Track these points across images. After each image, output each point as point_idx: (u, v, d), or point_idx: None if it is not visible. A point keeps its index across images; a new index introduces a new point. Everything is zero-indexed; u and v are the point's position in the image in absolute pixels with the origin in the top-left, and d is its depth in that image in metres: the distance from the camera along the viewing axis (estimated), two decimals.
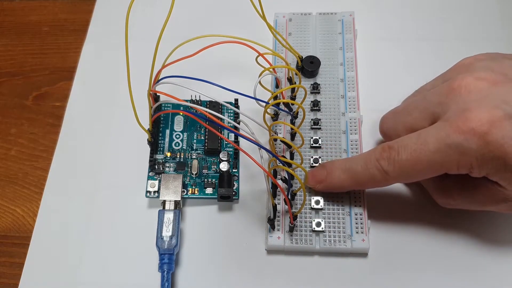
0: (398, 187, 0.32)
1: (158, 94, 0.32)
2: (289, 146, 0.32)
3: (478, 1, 0.40)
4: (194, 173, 0.32)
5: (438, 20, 0.39)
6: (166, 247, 0.29)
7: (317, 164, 0.32)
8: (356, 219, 0.30)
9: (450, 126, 0.25)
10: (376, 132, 0.34)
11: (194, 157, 0.33)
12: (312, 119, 0.33)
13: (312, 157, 0.32)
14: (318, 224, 0.30)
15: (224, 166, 0.32)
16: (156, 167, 0.32)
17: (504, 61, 0.28)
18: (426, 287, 0.29)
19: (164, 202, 0.31)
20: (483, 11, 0.39)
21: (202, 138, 0.34)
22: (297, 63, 0.35)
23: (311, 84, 0.35)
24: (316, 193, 0.31)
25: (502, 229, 0.31)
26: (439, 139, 0.25)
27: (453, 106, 0.26)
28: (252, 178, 0.33)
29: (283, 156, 0.32)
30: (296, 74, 0.34)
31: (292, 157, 0.32)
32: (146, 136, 0.31)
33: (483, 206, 0.28)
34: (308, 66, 0.35)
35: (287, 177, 0.30)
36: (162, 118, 0.35)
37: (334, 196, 0.31)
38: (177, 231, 0.30)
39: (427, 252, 0.30)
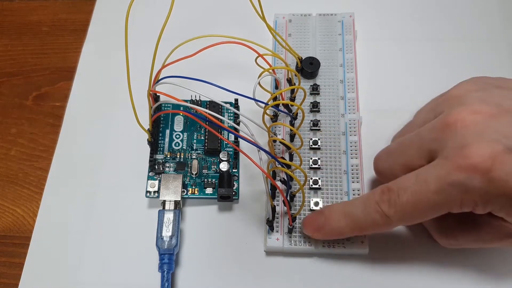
0: None
1: (158, 94, 0.32)
2: (288, 148, 0.32)
3: (478, 1, 0.40)
4: (194, 173, 0.32)
5: (438, 20, 0.39)
6: (166, 247, 0.30)
7: (316, 166, 0.32)
8: None
9: (450, 163, 0.24)
10: (375, 133, 0.34)
11: (194, 157, 0.33)
12: (311, 120, 0.33)
13: (311, 158, 0.32)
14: None
15: (224, 166, 0.32)
16: (156, 167, 0.32)
17: (494, 91, 0.27)
18: None
19: (164, 202, 0.31)
20: (483, 11, 0.39)
21: (202, 138, 0.34)
22: (297, 64, 0.35)
23: (311, 85, 0.35)
24: (315, 195, 0.31)
25: None
26: (440, 178, 0.24)
27: (451, 142, 0.25)
28: (252, 179, 0.33)
29: (282, 158, 0.32)
30: (295, 75, 0.34)
31: (291, 159, 0.32)
32: (146, 136, 0.31)
33: (487, 244, 0.27)
34: (308, 67, 0.35)
35: (286, 179, 0.30)
36: (162, 118, 0.35)
37: (334, 198, 0.31)
38: (177, 231, 0.30)
39: (426, 254, 0.30)
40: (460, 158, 0.24)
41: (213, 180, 0.32)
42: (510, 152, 0.23)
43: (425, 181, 0.25)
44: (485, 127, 0.24)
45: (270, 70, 0.31)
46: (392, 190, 0.26)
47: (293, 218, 0.29)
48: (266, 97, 0.31)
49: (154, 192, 0.32)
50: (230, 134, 0.34)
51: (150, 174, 0.33)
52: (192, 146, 0.34)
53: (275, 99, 0.32)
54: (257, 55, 0.30)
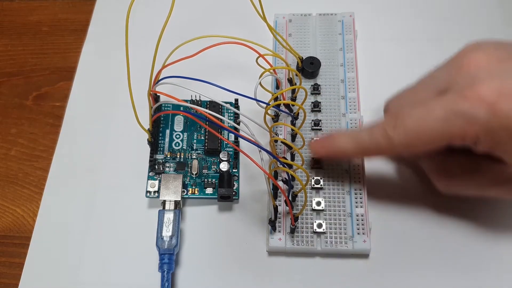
0: (399, 187, 0.32)
1: (158, 94, 0.32)
2: (289, 147, 0.32)
3: (478, 1, 0.40)
4: (194, 173, 0.32)
5: (438, 20, 0.39)
6: (166, 247, 0.29)
7: (317, 166, 0.32)
8: (357, 220, 0.30)
9: (458, 94, 0.25)
10: None
11: (194, 157, 0.33)
12: (312, 120, 0.33)
13: (313, 158, 0.32)
14: (320, 226, 0.30)
15: (224, 166, 0.32)
16: (156, 167, 0.32)
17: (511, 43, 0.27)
18: None
19: (164, 202, 0.31)
20: (483, 11, 0.39)
21: (202, 138, 0.34)
22: (297, 64, 0.35)
23: (312, 85, 0.35)
24: (317, 195, 0.31)
25: (504, 226, 0.31)
26: (446, 107, 0.25)
27: (462, 79, 0.26)
28: (252, 179, 0.33)
29: (284, 157, 0.32)
30: (296, 75, 0.34)
31: (292, 158, 0.32)
32: (146, 136, 0.31)
33: (485, 190, 0.28)
34: (309, 67, 0.35)
35: (287, 178, 0.30)
36: (162, 118, 0.35)
37: (335, 197, 0.31)
38: (177, 231, 0.30)
39: (428, 253, 0.30)
40: (468, 90, 0.25)
41: (213, 180, 0.32)
42: None
43: (432, 109, 0.26)
44: (497, 68, 0.25)
45: (271, 70, 0.31)
46: (399, 115, 0.27)
47: (295, 218, 0.29)
48: (266, 97, 0.31)
49: (154, 192, 0.32)
50: (230, 134, 0.34)
51: (150, 174, 0.33)
52: (192, 146, 0.34)
53: (276, 99, 0.32)
54: (258, 55, 0.30)
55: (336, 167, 0.32)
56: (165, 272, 0.29)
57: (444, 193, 0.29)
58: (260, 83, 0.29)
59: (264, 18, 0.31)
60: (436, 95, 0.27)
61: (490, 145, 0.25)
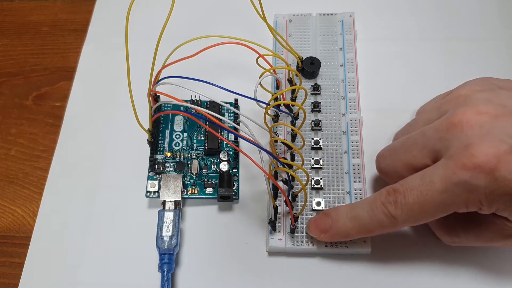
0: None
1: (158, 94, 0.32)
2: (289, 148, 0.32)
3: (478, 1, 0.40)
4: (194, 173, 0.32)
5: (438, 20, 0.39)
6: (166, 247, 0.29)
7: (318, 166, 0.32)
8: None
9: (455, 163, 0.24)
10: (376, 133, 0.34)
11: (194, 157, 0.33)
12: (312, 120, 0.33)
13: (313, 158, 0.32)
14: None
15: (224, 166, 0.32)
16: (156, 167, 0.32)
17: (500, 92, 0.27)
18: None
19: (164, 202, 0.31)
20: (483, 11, 0.39)
21: (202, 138, 0.34)
22: (297, 64, 0.35)
23: (312, 85, 0.35)
24: (317, 195, 0.31)
25: None
26: (445, 178, 0.25)
27: (456, 142, 0.25)
28: (252, 179, 0.33)
29: (284, 158, 0.32)
30: (296, 75, 0.34)
31: (293, 159, 0.32)
32: (146, 136, 0.31)
33: (489, 243, 0.27)
34: (309, 67, 0.35)
35: (287, 179, 0.30)
36: (162, 118, 0.35)
37: (335, 198, 0.31)
38: (177, 231, 0.30)
39: (428, 253, 0.30)
40: (465, 158, 0.24)
41: (213, 180, 0.32)
42: None
43: (431, 181, 0.25)
44: (490, 128, 0.25)
45: (271, 70, 0.31)
46: (398, 191, 0.26)
47: (295, 218, 0.29)
48: (266, 97, 0.31)
49: (154, 192, 0.32)
50: (230, 134, 0.34)
51: (150, 174, 0.33)
52: (192, 146, 0.34)
53: (276, 99, 0.32)
54: (258, 55, 0.30)
55: (336, 167, 0.32)
56: (165, 272, 0.29)
57: (448, 244, 0.29)
58: (260, 83, 0.29)
59: (264, 18, 0.31)
60: (430, 156, 0.26)
61: (495, 209, 0.25)
